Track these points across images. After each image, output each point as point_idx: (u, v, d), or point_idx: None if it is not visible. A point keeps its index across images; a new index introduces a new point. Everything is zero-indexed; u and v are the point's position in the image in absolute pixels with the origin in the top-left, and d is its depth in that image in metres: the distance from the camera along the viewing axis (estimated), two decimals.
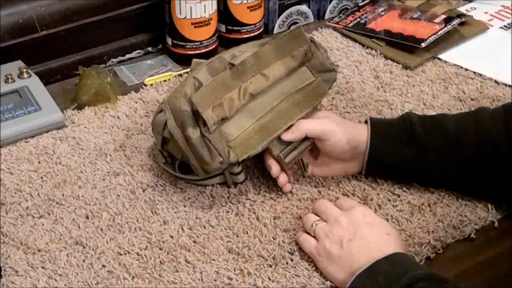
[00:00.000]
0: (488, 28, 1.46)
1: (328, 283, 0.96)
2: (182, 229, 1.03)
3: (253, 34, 1.40)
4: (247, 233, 1.02)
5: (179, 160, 1.07)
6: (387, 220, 1.03)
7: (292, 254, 0.99)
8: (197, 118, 1.01)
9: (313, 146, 1.08)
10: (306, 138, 1.07)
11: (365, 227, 0.95)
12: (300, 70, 1.11)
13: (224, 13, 1.37)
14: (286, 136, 1.06)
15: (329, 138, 1.05)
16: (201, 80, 1.05)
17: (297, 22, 1.48)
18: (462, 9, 1.51)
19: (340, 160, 1.08)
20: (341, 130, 1.05)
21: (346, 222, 0.96)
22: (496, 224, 1.05)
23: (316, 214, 1.01)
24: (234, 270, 0.97)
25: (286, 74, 1.09)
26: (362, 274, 0.91)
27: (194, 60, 1.13)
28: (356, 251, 0.94)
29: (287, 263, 0.98)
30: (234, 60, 1.05)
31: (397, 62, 1.36)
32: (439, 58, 1.37)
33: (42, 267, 0.97)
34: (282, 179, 1.07)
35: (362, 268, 0.91)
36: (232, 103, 1.04)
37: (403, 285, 0.88)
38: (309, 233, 0.99)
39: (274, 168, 1.06)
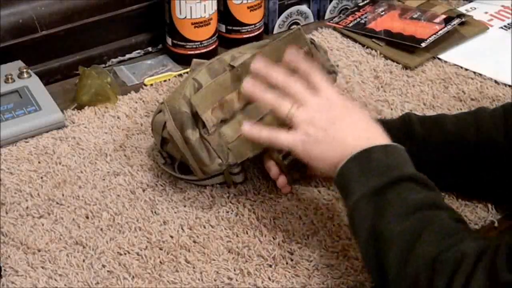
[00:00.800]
0: (488, 28, 1.46)
1: (328, 283, 0.96)
2: (182, 229, 1.03)
3: (253, 34, 1.40)
4: (247, 233, 1.02)
5: (178, 161, 1.07)
6: None
7: (292, 254, 0.99)
8: (197, 119, 1.01)
9: None
10: None
11: (348, 111, 0.92)
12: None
13: (224, 13, 1.37)
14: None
15: None
16: (201, 82, 1.05)
17: (297, 22, 1.48)
18: (462, 9, 1.51)
19: None
20: None
21: (328, 108, 0.92)
22: (496, 224, 1.05)
23: (277, 90, 0.94)
24: (234, 270, 0.97)
25: None
26: (355, 156, 0.89)
27: (194, 60, 1.13)
28: (342, 133, 0.91)
29: (287, 263, 0.98)
30: (234, 62, 1.05)
31: (397, 62, 1.36)
32: (439, 58, 1.37)
33: (42, 267, 0.97)
34: (281, 180, 1.07)
35: (353, 152, 0.89)
36: (232, 105, 1.04)
37: (393, 179, 0.87)
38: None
39: (274, 170, 1.06)
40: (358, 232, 0.89)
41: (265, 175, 1.10)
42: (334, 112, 0.92)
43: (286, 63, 0.96)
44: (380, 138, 0.92)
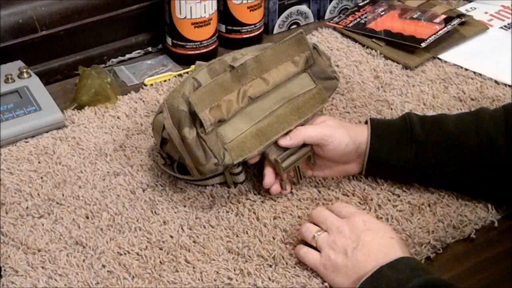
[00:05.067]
0: (488, 28, 1.46)
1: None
2: (182, 229, 1.03)
3: (253, 34, 1.40)
4: (247, 233, 1.02)
5: (177, 161, 1.07)
6: (387, 220, 1.03)
7: (292, 254, 0.99)
8: (194, 118, 1.01)
9: (310, 154, 1.08)
10: (304, 145, 1.06)
11: (368, 233, 0.95)
12: (300, 76, 1.11)
13: (224, 13, 1.37)
14: (284, 142, 1.05)
15: (328, 143, 1.05)
16: (200, 81, 1.05)
17: (297, 22, 1.48)
18: (462, 9, 1.51)
19: (340, 162, 1.08)
20: (339, 134, 1.05)
21: (348, 230, 0.95)
22: (496, 224, 1.05)
23: (315, 224, 1.00)
24: (234, 270, 0.97)
25: (286, 79, 1.09)
26: (367, 281, 0.90)
27: (197, 62, 1.13)
28: (361, 259, 0.93)
29: (287, 263, 0.98)
30: (235, 63, 1.05)
31: (397, 62, 1.36)
32: (439, 58, 1.37)
33: (42, 267, 0.97)
34: (275, 188, 1.07)
35: (367, 275, 0.91)
36: (230, 105, 1.04)
37: None
38: (309, 245, 0.98)
39: (267, 179, 1.06)
40: None
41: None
42: (355, 235, 0.95)
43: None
44: (397, 252, 0.93)
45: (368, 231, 0.95)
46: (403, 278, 0.89)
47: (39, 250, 0.99)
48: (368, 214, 1.00)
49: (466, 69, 1.34)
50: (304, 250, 0.98)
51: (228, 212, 1.06)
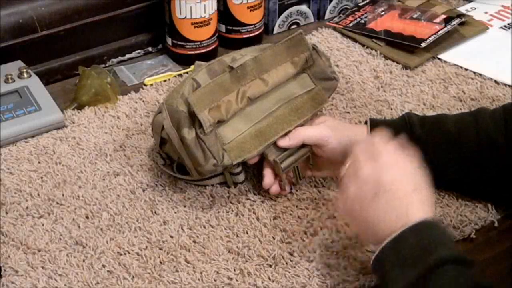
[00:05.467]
0: (488, 28, 1.46)
1: (328, 283, 0.96)
2: (182, 229, 1.03)
3: (253, 34, 1.40)
4: (247, 233, 1.02)
5: (176, 162, 1.07)
6: None
7: (292, 254, 0.99)
8: (193, 119, 1.01)
9: (310, 154, 1.08)
10: (303, 145, 1.06)
11: (387, 191, 0.89)
12: (300, 76, 1.11)
13: (224, 13, 1.37)
14: (283, 142, 1.05)
15: (327, 144, 1.05)
16: (200, 82, 1.05)
17: (297, 22, 1.48)
18: (462, 9, 1.51)
19: (339, 162, 1.08)
20: (338, 135, 1.05)
21: (374, 174, 0.90)
22: (496, 224, 1.05)
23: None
24: (234, 270, 0.97)
25: (285, 80, 1.09)
26: (388, 245, 0.87)
27: (197, 62, 1.13)
28: (383, 208, 0.88)
29: (287, 263, 0.98)
30: (234, 63, 1.05)
31: (397, 62, 1.36)
32: (439, 58, 1.37)
33: (42, 267, 0.97)
34: (274, 189, 1.07)
35: (387, 239, 0.87)
36: (230, 106, 1.04)
37: (428, 266, 0.84)
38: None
39: (267, 180, 1.06)
40: None
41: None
42: (377, 187, 0.90)
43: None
44: (419, 211, 0.88)
45: (389, 184, 0.89)
46: (425, 248, 0.85)
47: (39, 250, 0.99)
48: (395, 155, 0.92)
49: (466, 69, 1.34)
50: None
51: (228, 212, 1.06)
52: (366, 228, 0.91)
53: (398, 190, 0.89)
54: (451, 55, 1.38)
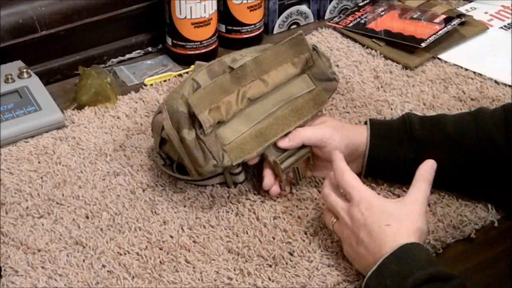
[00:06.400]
0: (488, 28, 1.46)
1: (328, 283, 0.96)
2: (182, 229, 1.03)
3: (253, 34, 1.40)
4: (247, 233, 1.02)
5: (176, 162, 1.07)
6: None
7: (292, 254, 0.99)
8: (193, 120, 1.01)
9: (310, 155, 1.08)
10: (303, 146, 1.06)
11: (364, 229, 0.94)
12: (300, 77, 1.11)
13: (224, 13, 1.37)
14: (283, 143, 1.05)
15: (327, 145, 1.05)
16: (200, 82, 1.05)
17: (297, 22, 1.48)
18: (462, 9, 1.51)
19: None
20: (338, 136, 1.05)
21: (350, 223, 0.95)
22: (496, 224, 1.05)
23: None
24: (234, 270, 0.97)
25: (285, 81, 1.09)
26: (372, 275, 0.91)
27: (197, 63, 1.13)
28: (363, 253, 0.93)
29: (287, 263, 0.98)
30: (234, 64, 1.05)
31: (397, 62, 1.36)
32: (439, 58, 1.37)
33: (42, 267, 0.97)
34: (274, 190, 1.07)
35: (371, 269, 0.91)
36: (230, 106, 1.04)
37: None
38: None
39: (267, 180, 1.06)
40: None
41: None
42: (357, 227, 0.94)
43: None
44: (403, 236, 0.92)
45: (364, 227, 0.94)
46: (405, 272, 0.88)
47: (39, 250, 0.99)
48: (366, 199, 0.96)
49: (466, 69, 1.34)
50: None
51: (228, 212, 1.06)
52: (358, 265, 0.96)
53: (373, 232, 0.93)
54: (451, 55, 1.38)
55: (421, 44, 1.37)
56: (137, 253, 0.99)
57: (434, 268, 0.89)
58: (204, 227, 1.03)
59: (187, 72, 1.32)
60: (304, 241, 1.01)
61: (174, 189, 1.09)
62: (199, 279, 0.96)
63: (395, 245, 0.91)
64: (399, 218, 0.94)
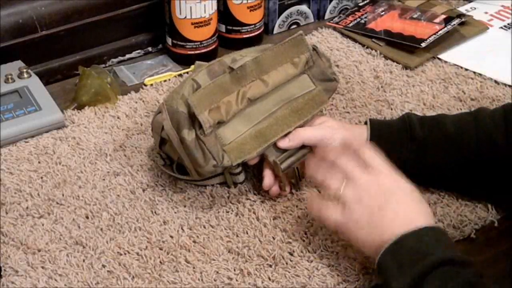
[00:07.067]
0: (488, 28, 1.46)
1: (328, 283, 0.96)
2: (182, 229, 1.03)
3: (253, 34, 1.40)
4: (247, 233, 1.02)
5: (176, 162, 1.07)
6: None
7: (292, 254, 0.99)
8: (193, 120, 1.01)
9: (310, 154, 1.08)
10: (303, 146, 1.07)
11: (396, 195, 0.91)
12: (300, 77, 1.11)
13: (224, 13, 1.37)
14: (283, 144, 1.05)
15: (327, 145, 1.05)
16: (200, 82, 1.05)
17: (297, 22, 1.48)
18: (462, 9, 1.51)
19: None
20: (338, 136, 1.05)
21: (376, 188, 0.92)
22: (496, 224, 1.05)
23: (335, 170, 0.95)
24: (234, 270, 0.97)
25: (285, 81, 1.09)
26: (389, 249, 0.88)
27: (197, 62, 1.13)
28: (387, 220, 0.90)
29: (287, 263, 0.98)
30: (234, 64, 1.05)
31: (397, 62, 1.36)
32: (439, 58, 1.38)
33: (42, 267, 0.97)
34: (274, 190, 1.07)
35: (389, 242, 0.88)
36: (230, 107, 1.04)
37: (425, 268, 0.85)
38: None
39: (267, 180, 1.06)
40: None
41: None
42: (382, 195, 0.91)
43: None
44: (423, 221, 0.90)
45: (396, 192, 0.91)
46: (424, 250, 0.86)
47: (39, 250, 0.99)
48: (395, 173, 0.93)
49: (466, 69, 1.34)
50: (322, 205, 0.94)
51: (228, 212, 1.06)
52: (376, 233, 0.90)
53: (406, 201, 0.91)
54: (451, 55, 1.38)
55: (421, 44, 1.37)
56: (137, 253, 0.99)
57: (454, 252, 0.88)
58: (204, 227, 1.03)
59: (187, 72, 1.33)
60: (304, 241, 1.01)
61: (174, 189, 1.09)
62: (199, 279, 0.96)
63: (421, 223, 0.89)
64: (423, 200, 0.93)
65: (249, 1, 1.36)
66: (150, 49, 1.40)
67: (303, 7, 1.47)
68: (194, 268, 0.98)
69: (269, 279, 0.96)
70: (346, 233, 0.93)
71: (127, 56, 1.38)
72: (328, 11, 1.50)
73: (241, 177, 1.09)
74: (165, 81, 1.31)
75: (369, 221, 0.91)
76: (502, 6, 1.52)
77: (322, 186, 0.96)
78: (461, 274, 0.85)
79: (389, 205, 0.91)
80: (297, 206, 1.06)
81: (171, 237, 1.02)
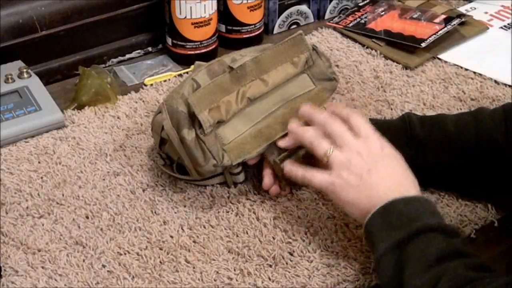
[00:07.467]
0: (488, 28, 1.46)
1: (328, 283, 0.96)
2: (182, 229, 1.03)
3: (253, 34, 1.40)
4: (247, 233, 1.02)
5: (176, 162, 1.07)
6: None
7: (292, 254, 0.99)
8: (193, 119, 1.01)
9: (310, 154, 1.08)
10: (303, 146, 1.06)
11: (385, 159, 0.93)
12: (300, 77, 1.11)
13: (224, 13, 1.37)
14: (282, 143, 1.05)
15: None
16: (200, 82, 1.05)
17: (297, 22, 1.48)
18: (462, 9, 1.51)
19: None
20: None
21: (366, 152, 0.93)
22: (496, 224, 1.05)
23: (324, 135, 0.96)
24: (234, 270, 0.97)
25: (285, 81, 1.09)
26: (378, 211, 0.90)
27: (197, 62, 1.13)
28: (375, 182, 0.91)
29: (287, 263, 0.98)
30: (234, 64, 1.05)
31: (397, 62, 1.36)
32: (439, 58, 1.38)
33: (42, 267, 0.97)
34: (274, 189, 1.07)
35: (379, 205, 0.90)
36: (229, 106, 1.04)
37: (413, 231, 0.87)
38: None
39: (266, 180, 1.06)
40: (384, 287, 0.90)
41: None
42: (372, 158, 0.93)
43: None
44: (411, 189, 0.92)
45: (385, 157, 0.93)
46: (414, 215, 0.88)
47: (39, 250, 0.99)
48: (383, 140, 0.96)
49: (466, 69, 1.34)
50: (309, 171, 0.96)
51: (228, 212, 1.06)
52: (366, 196, 0.92)
53: (394, 165, 0.93)
54: (451, 55, 1.38)
55: (421, 44, 1.37)
56: (137, 253, 0.99)
57: (443, 221, 0.89)
58: (204, 227, 1.03)
59: (187, 72, 1.33)
60: (304, 241, 1.01)
61: (174, 189, 1.09)
62: (199, 279, 0.96)
63: (408, 191, 0.90)
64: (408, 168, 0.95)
65: (249, 1, 1.36)
66: (150, 49, 1.40)
67: (303, 7, 1.47)
68: (194, 268, 0.98)
69: (269, 279, 0.96)
70: (333, 193, 0.94)
71: (127, 56, 1.38)
72: (328, 11, 1.51)
73: (241, 177, 1.09)
74: (165, 81, 1.31)
75: (358, 183, 0.92)
76: (502, 6, 1.52)
77: (310, 148, 0.98)
78: (448, 242, 0.87)
79: (378, 168, 0.92)
80: (297, 206, 1.06)
81: (171, 237, 1.02)
